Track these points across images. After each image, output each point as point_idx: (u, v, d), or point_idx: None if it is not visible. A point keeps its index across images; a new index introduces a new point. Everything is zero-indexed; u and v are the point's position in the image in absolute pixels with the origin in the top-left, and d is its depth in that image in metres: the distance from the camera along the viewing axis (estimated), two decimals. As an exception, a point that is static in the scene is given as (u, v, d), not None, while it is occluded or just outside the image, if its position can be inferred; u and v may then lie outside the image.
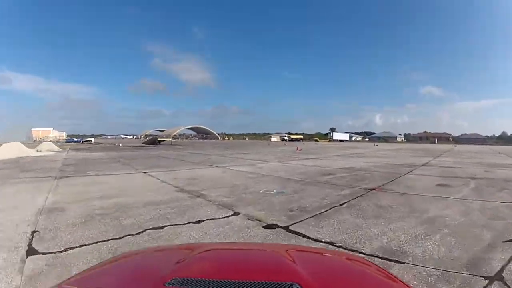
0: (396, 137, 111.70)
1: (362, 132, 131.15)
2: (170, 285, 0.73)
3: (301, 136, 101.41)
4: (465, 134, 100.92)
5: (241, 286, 0.73)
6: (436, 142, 70.95)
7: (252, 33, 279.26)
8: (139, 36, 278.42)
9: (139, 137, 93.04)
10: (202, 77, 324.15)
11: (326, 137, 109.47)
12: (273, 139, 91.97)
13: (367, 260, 1.26)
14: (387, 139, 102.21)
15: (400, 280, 0.97)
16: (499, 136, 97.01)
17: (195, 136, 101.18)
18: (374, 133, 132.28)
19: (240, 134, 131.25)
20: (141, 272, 0.95)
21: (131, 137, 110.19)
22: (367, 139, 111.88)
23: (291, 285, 0.73)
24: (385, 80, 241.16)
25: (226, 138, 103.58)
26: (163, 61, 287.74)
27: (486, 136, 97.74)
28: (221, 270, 0.90)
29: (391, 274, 1.05)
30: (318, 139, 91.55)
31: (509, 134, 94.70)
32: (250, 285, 0.73)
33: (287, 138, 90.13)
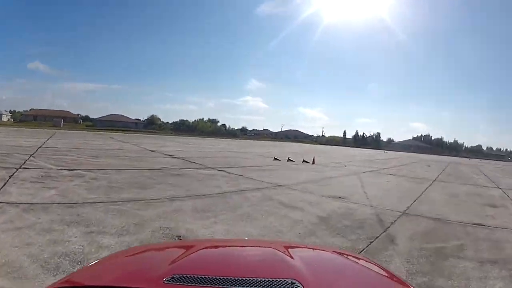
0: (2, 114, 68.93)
1: None
2: (169, 282, 0.73)
3: None
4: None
5: (240, 283, 0.72)
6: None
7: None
8: None
9: None
10: None
11: None
12: None
13: (365, 257, 1.28)
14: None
15: (397, 277, 0.99)
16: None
17: None
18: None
19: None
20: (140, 269, 0.94)
21: None
22: None
23: (291, 282, 0.72)
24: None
25: None
26: None
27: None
28: (220, 267, 0.90)
29: (389, 271, 1.06)
30: None
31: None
32: (250, 282, 0.73)
33: None
